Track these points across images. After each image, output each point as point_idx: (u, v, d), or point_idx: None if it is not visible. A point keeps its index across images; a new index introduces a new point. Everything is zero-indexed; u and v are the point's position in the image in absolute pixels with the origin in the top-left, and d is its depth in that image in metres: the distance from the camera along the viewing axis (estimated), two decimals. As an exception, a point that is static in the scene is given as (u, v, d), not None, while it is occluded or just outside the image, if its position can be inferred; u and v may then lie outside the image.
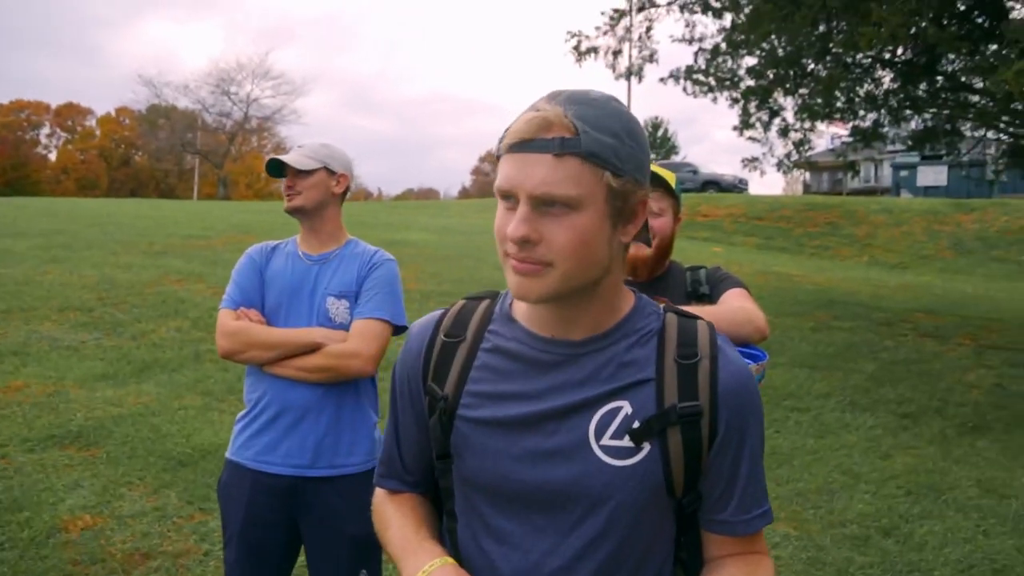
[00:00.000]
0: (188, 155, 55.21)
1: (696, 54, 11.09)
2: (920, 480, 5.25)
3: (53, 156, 62.52)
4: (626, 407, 1.13)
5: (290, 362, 2.35)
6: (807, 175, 51.24)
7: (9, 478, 4.41)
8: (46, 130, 64.50)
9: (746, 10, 9.68)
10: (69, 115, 64.22)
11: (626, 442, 1.12)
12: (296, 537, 2.45)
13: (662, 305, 1.27)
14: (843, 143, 11.78)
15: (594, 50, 11.04)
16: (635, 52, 11.21)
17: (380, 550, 2.49)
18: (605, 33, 11.05)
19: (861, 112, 11.06)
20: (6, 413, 5.33)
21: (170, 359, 6.73)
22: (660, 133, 60.25)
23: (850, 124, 11.60)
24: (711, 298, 2.21)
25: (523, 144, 1.05)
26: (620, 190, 1.07)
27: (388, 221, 19.28)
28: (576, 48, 11.05)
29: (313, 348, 2.35)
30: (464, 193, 74.94)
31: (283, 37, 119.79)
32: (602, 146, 1.04)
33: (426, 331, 1.27)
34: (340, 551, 2.40)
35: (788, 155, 10.93)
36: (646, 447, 1.13)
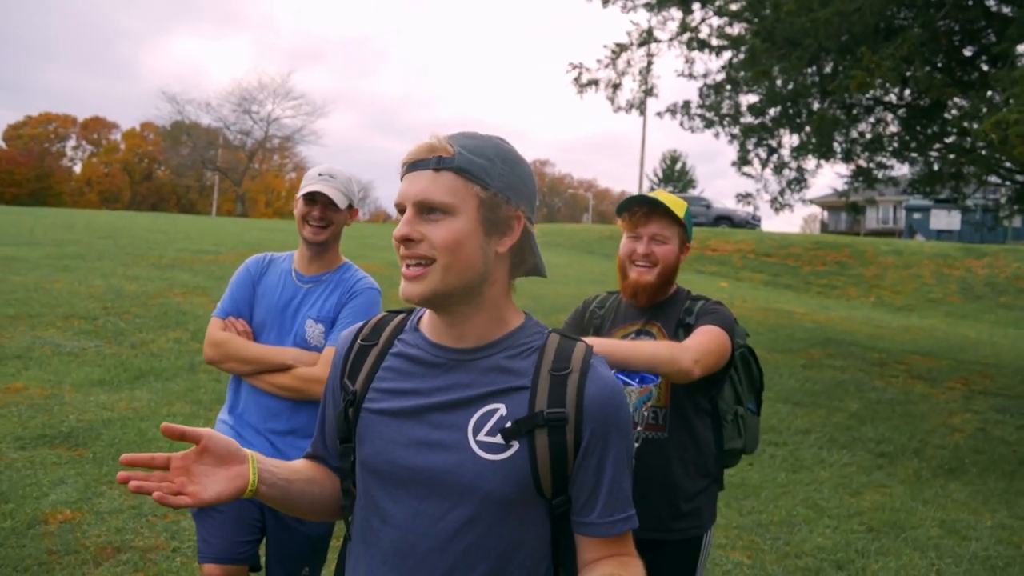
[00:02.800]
0: (208, 171, 56.06)
1: (700, 90, 11.32)
2: (884, 518, 5.35)
3: (78, 168, 63.62)
4: (502, 409, 1.30)
5: (264, 377, 2.58)
6: (825, 214, 51.26)
7: (-1, 472, 4.65)
8: (72, 143, 65.74)
9: (744, 48, 9.91)
10: (95, 128, 65.39)
11: (498, 439, 1.29)
12: (261, 520, 2.67)
13: (549, 328, 1.44)
14: (845, 183, 11.91)
15: (595, 83, 11.29)
16: (636, 86, 11.44)
17: (325, 550, 2.72)
18: (606, 66, 11.30)
19: (862, 152, 11.21)
20: (3, 412, 5.57)
21: (165, 368, 6.98)
22: (678, 167, 60.48)
23: (853, 164, 11.76)
24: (692, 328, 2.34)
25: (412, 164, 1.30)
26: (489, 202, 1.28)
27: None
28: (577, 80, 11.31)
29: (284, 368, 2.56)
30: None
31: (312, 57, 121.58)
32: (473, 164, 1.27)
33: (348, 337, 1.50)
34: (294, 547, 2.64)
35: (782, 192, 11.09)
36: (515, 445, 1.28)
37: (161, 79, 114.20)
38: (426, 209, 1.27)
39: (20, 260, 11.11)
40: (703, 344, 2.25)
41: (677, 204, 2.41)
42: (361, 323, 1.51)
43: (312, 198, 2.62)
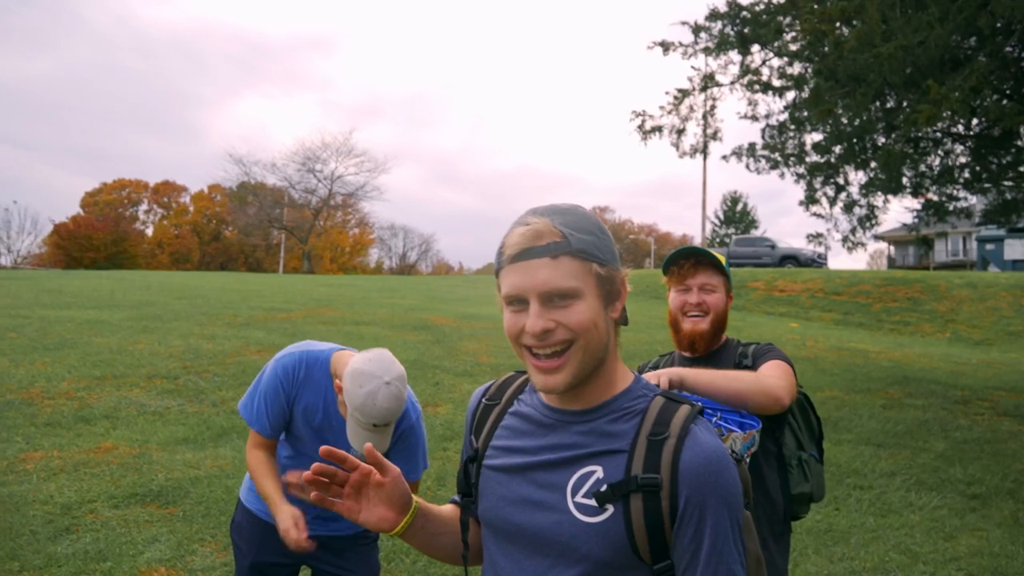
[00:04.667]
0: (275, 230, 57.56)
1: (763, 131, 11.27)
2: (984, 563, 5.13)
3: (150, 231, 66.03)
4: (599, 471, 1.31)
5: None
6: (892, 249, 50.11)
7: (96, 531, 4.80)
8: (144, 207, 68.42)
9: (807, 88, 9.86)
10: (165, 192, 68.04)
11: (593, 502, 1.30)
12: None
13: (660, 388, 1.47)
14: (915, 217, 11.66)
15: (658, 129, 11.33)
16: (699, 130, 11.46)
17: None
18: (669, 112, 11.33)
19: (931, 186, 10.99)
20: (96, 472, 5.76)
21: (246, 426, 7.11)
22: (739, 208, 59.97)
23: (922, 198, 11.52)
24: (753, 368, 2.38)
25: (523, 253, 1.29)
26: (606, 276, 1.32)
27: (465, 295, 19.76)
28: (640, 127, 11.37)
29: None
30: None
31: (373, 114, 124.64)
32: (585, 243, 1.30)
33: (477, 396, 1.58)
34: None
35: (853, 231, 10.90)
36: (610, 509, 1.29)
37: (227, 142, 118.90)
38: (552, 297, 1.29)
39: (103, 323, 11.54)
40: (784, 375, 2.29)
41: (718, 255, 2.50)
42: (489, 383, 1.58)
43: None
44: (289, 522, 2.41)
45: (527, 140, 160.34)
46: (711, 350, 2.48)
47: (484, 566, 1.48)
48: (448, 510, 1.57)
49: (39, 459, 5.99)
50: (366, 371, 2.37)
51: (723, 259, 2.51)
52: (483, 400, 1.54)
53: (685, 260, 2.49)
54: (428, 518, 1.47)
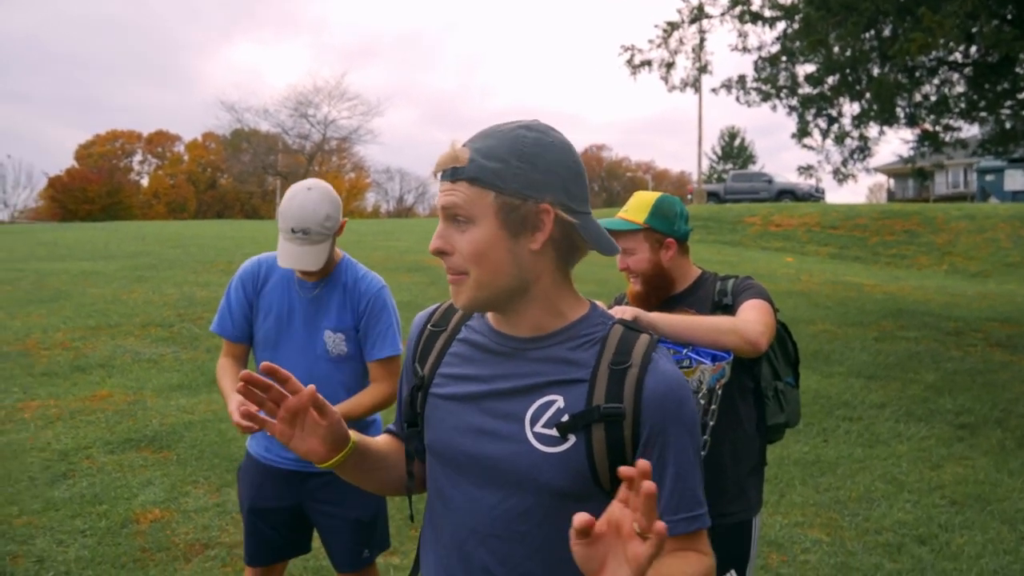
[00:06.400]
0: (270, 176, 57.18)
1: (755, 63, 11.10)
2: (968, 491, 5.22)
3: (145, 182, 65.58)
4: (559, 401, 1.29)
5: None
6: (891, 182, 49.79)
7: (92, 475, 4.88)
8: (138, 157, 67.82)
9: (798, 18, 9.68)
10: (159, 142, 67.32)
11: (555, 432, 1.27)
12: (303, 518, 2.77)
13: (619, 317, 1.42)
14: (911, 149, 11.55)
15: (648, 63, 11.14)
16: (689, 64, 11.29)
17: (384, 528, 2.83)
18: (658, 46, 11.14)
19: (927, 116, 10.86)
20: (92, 419, 5.83)
21: (240, 371, 7.18)
22: (737, 143, 59.47)
23: (918, 129, 11.40)
24: (732, 308, 2.36)
25: (438, 173, 1.32)
26: (507, 205, 1.25)
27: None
28: (629, 62, 11.19)
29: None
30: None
31: (366, 55, 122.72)
32: (483, 171, 1.25)
33: (420, 322, 1.53)
34: (344, 533, 2.72)
35: (844, 162, 10.80)
36: (571, 439, 1.26)
37: (220, 88, 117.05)
38: (452, 218, 1.29)
39: (97, 274, 11.55)
40: (761, 317, 2.27)
41: (638, 208, 2.43)
42: (433, 307, 1.53)
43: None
44: (233, 406, 2.38)
45: (524, 79, 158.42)
46: (654, 306, 2.43)
47: (429, 497, 1.46)
48: (383, 442, 1.54)
49: (36, 408, 6.05)
50: (295, 185, 2.60)
51: (645, 209, 2.43)
52: (428, 327, 1.50)
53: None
54: (365, 455, 1.43)
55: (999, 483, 5.38)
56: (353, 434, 1.39)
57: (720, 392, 2.14)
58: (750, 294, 2.37)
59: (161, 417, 5.92)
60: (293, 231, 2.50)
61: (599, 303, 1.47)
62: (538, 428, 1.28)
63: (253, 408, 1.98)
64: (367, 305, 2.66)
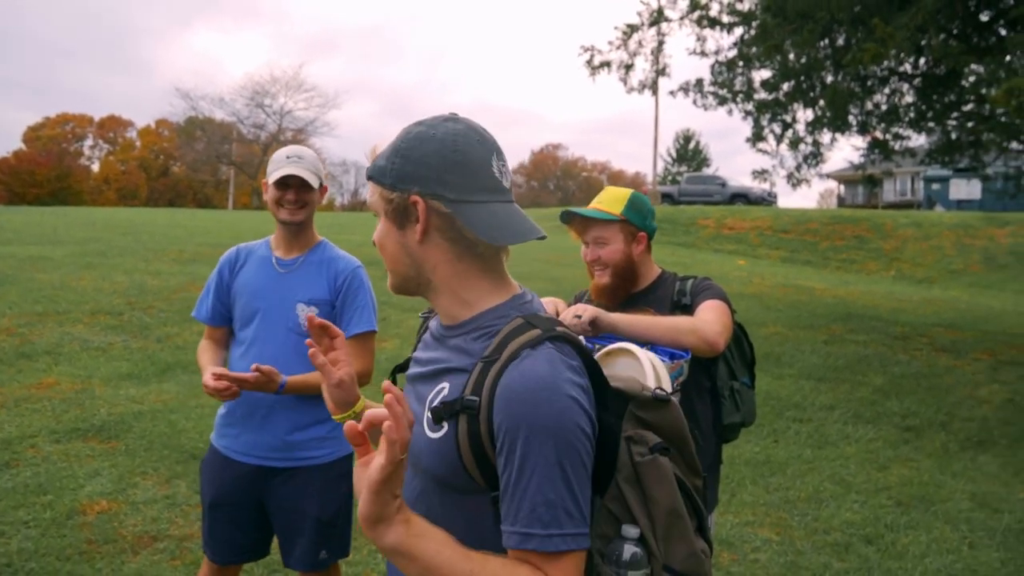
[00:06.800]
0: (224, 166, 56.31)
1: (712, 67, 11.22)
2: (913, 492, 5.33)
3: (96, 167, 64.04)
4: (446, 389, 1.31)
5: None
6: (842, 188, 50.78)
7: (36, 465, 4.73)
8: (89, 142, 66.21)
9: (755, 24, 9.81)
10: (111, 127, 65.82)
11: (431, 417, 1.31)
12: (264, 517, 2.71)
13: (575, 315, 1.45)
14: (861, 156, 11.79)
15: (607, 64, 11.21)
16: (648, 66, 11.38)
17: (345, 531, 2.77)
18: (618, 48, 11.21)
19: (878, 124, 11.08)
20: (37, 407, 5.66)
21: (191, 361, 7.03)
22: (692, 145, 60.09)
23: (869, 136, 11.63)
24: (691, 308, 2.37)
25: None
26: (390, 200, 1.32)
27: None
28: (589, 62, 11.24)
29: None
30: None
31: (327, 47, 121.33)
32: (376, 169, 1.34)
33: (425, 312, 1.60)
34: (302, 530, 2.66)
35: (798, 167, 10.98)
36: (445, 427, 1.28)
37: (176, 76, 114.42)
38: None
39: (45, 259, 11.24)
40: (719, 317, 2.29)
41: (614, 200, 2.44)
42: None
43: (285, 182, 2.65)
44: (207, 375, 2.46)
45: (484, 75, 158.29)
46: (619, 301, 2.45)
47: None
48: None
49: (-23, 395, 5.86)
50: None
51: (622, 201, 2.43)
52: (421, 315, 1.60)
53: (572, 218, 2.47)
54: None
55: (943, 484, 5.51)
56: (366, 402, 1.49)
57: (679, 391, 2.14)
58: (708, 295, 2.38)
59: (109, 407, 5.77)
60: (288, 157, 2.66)
61: (531, 294, 1.43)
62: (427, 413, 1.32)
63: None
64: (344, 282, 2.71)
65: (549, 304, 2.29)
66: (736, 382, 2.53)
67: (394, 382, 1.47)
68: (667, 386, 2.06)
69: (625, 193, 2.47)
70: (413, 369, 1.45)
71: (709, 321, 2.25)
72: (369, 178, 1.35)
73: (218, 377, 2.43)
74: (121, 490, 4.48)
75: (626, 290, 2.47)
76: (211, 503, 2.69)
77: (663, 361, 2.05)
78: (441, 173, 1.29)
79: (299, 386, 2.54)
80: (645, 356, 1.66)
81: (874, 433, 6.53)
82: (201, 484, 2.76)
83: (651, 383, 1.59)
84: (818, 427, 6.61)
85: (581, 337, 1.68)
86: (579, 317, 2.15)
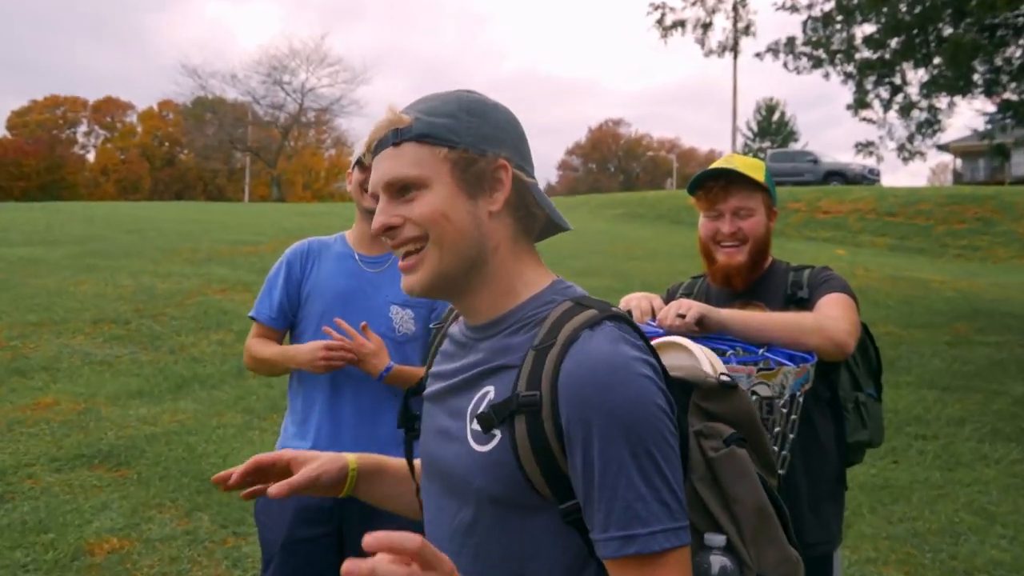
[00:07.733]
0: (238, 153, 57.16)
1: (805, 23, 11.01)
2: (1072, 524, 5.14)
3: (91, 156, 65.65)
4: (491, 392, 1.26)
5: None
6: (958, 162, 49.71)
7: (36, 498, 4.80)
8: (83, 128, 67.87)
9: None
10: (108, 111, 67.38)
11: (480, 426, 1.25)
12: (340, 552, 2.61)
13: (572, 296, 1.35)
14: (988, 122, 11.46)
15: (681, 24, 11.09)
16: (728, 24, 11.22)
17: None
18: (693, 4, 11.08)
19: (1010, 83, 10.74)
20: (35, 431, 5.75)
21: (210, 374, 7.10)
22: (776, 117, 59.43)
23: (997, 99, 11.30)
24: (809, 302, 2.30)
25: (373, 146, 1.32)
26: (462, 161, 1.27)
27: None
28: (660, 22, 11.12)
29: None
30: (550, 191, 75.19)
31: (349, 15, 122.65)
32: (433, 127, 1.27)
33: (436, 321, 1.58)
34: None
35: (911, 138, 10.70)
36: (497, 434, 1.23)
37: (181, 51, 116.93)
38: (398, 190, 1.29)
39: (39, 261, 11.49)
40: (846, 314, 2.22)
41: (755, 167, 2.40)
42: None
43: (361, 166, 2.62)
44: (316, 343, 2.52)
45: (533, 42, 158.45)
46: (751, 282, 2.41)
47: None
48: (402, 464, 1.58)
49: (-32, 418, 5.97)
50: None
51: (761, 169, 2.41)
52: (434, 325, 1.61)
53: (714, 182, 2.39)
54: (380, 477, 1.55)
55: (1107, 515, 5.29)
56: (361, 459, 1.52)
57: (801, 400, 2.06)
58: (830, 287, 2.32)
59: (118, 429, 5.83)
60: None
61: (564, 281, 1.39)
62: (474, 424, 1.26)
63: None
64: None
65: (643, 300, 2.22)
66: (861, 393, 2.45)
67: (406, 407, 1.50)
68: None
69: (759, 162, 2.42)
70: (435, 385, 1.40)
71: (835, 318, 2.18)
72: (421, 137, 1.27)
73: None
74: (134, 525, 4.50)
75: (759, 271, 2.42)
76: (286, 541, 2.57)
77: (784, 364, 1.97)
78: (516, 142, 1.33)
79: (404, 376, 2.50)
80: (698, 348, 1.66)
81: (1018, 453, 6.30)
82: (261, 533, 2.66)
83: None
84: (946, 445, 6.42)
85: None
86: (682, 316, 2.06)
